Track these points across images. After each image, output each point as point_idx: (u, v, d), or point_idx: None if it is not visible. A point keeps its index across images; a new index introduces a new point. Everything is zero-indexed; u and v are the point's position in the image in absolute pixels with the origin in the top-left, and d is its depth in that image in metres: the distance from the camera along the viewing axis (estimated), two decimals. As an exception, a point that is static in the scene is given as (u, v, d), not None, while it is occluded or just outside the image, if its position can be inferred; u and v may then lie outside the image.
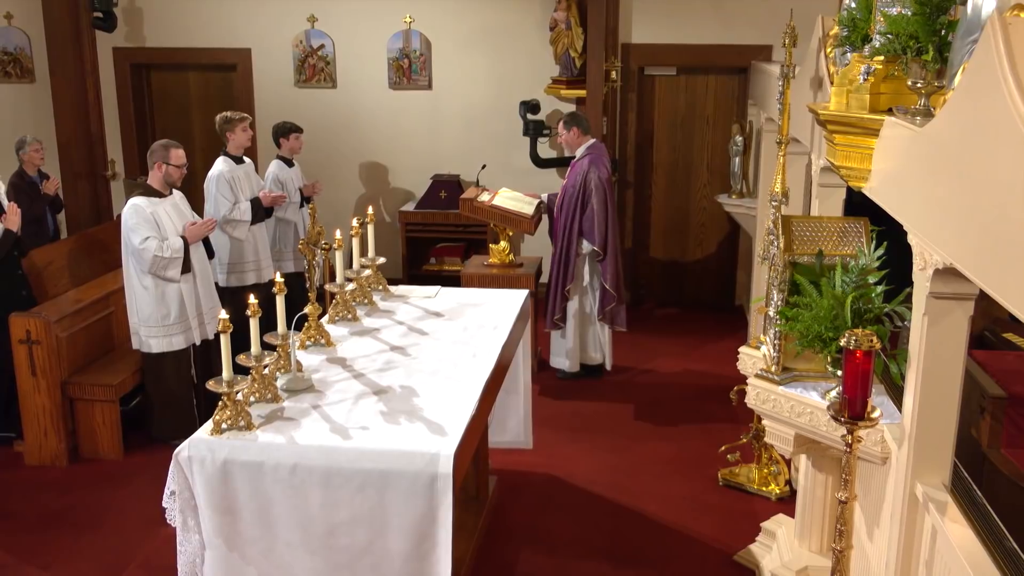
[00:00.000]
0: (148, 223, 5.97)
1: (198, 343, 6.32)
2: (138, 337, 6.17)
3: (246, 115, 7.31)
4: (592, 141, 7.38)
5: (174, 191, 6.27)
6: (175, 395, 6.30)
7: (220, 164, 7.13)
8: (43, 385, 6.02)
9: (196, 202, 6.87)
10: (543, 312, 7.53)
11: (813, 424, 3.93)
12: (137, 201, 6.05)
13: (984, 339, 4.55)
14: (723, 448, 6.02)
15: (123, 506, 5.65)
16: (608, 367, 7.59)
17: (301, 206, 7.76)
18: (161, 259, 5.95)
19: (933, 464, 3.28)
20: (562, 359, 7.54)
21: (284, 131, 7.79)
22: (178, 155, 6.16)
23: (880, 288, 3.80)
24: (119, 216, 8.86)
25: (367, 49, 9.30)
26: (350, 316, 4.99)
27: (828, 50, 4.50)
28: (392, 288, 5.55)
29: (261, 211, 7.20)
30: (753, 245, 8.33)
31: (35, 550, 5.20)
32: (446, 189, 9.07)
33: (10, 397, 6.24)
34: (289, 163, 7.79)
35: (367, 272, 5.31)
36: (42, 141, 7.85)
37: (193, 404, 6.40)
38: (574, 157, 7.38)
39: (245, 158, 7.32)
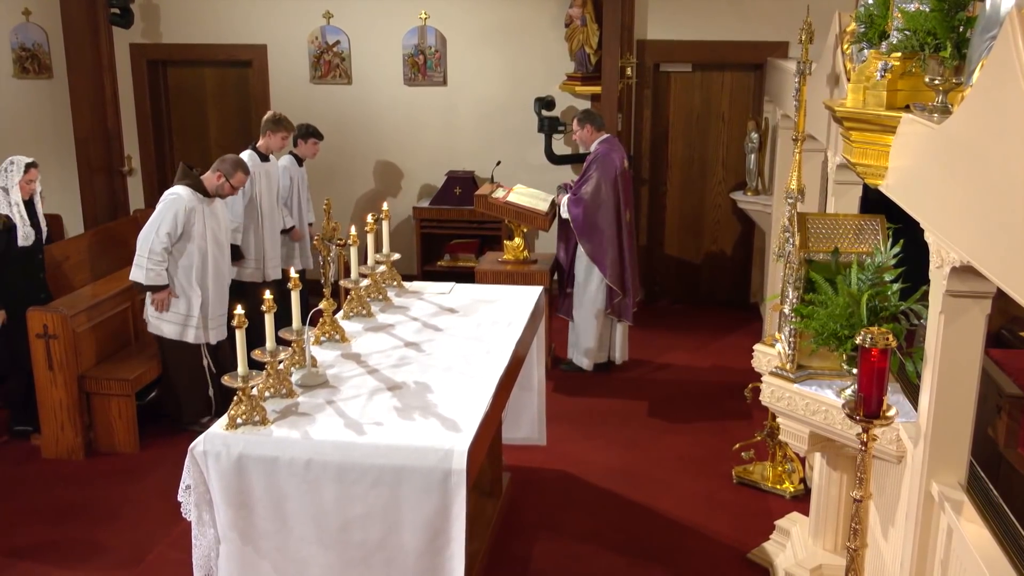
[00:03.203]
0: (175, 219, 6.07)
1: (204, 343, 6.37)
2: (151, 321, 6.27)
3: (293, 126, 7.34)
4: (605, 136, 7.39)
5: (217, 200, 6.39)
6: (195, 379, 6.38)
7: (245, 157, 7.12)
8: (60, 379, 6.06)
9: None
10: (556, 308, 7.54)
11: (828, 422, 3.91)
12: (179, 191, 6.15)
13: (1001, 338, 4.52)
14: (737, 446, 6.00)
15: (138, 500, 5.68)
16: (618, 361, 7.60)
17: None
18: (156, 263, 6.07)
19: (949, 463, 3.27)
20: (579, 356, 7.54)
21: (306, 134, 7.80)
22: (240, 179, 6.35)
23: (896, 286, 3.79)
24: (136, 211, 8.94)
25: (382, 45, 9.31)
26: (364, 312, 5.00)
27: (845, 46, 4.48)
28: (406, 284, 5.56)
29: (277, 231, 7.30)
30: (768, 242, 8.30)
31: (52, 543, 5.23)
32: (461, 185, 9.07)
33: (28, 391, 6.30)
34: (300, 162, 7.81)
35: (381, 268, 5.32)
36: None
37: (209, 393, 6.44)
38: (588, 153, 7.40)
39: (270, 156, 7.35)
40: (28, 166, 6.21)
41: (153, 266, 6.08)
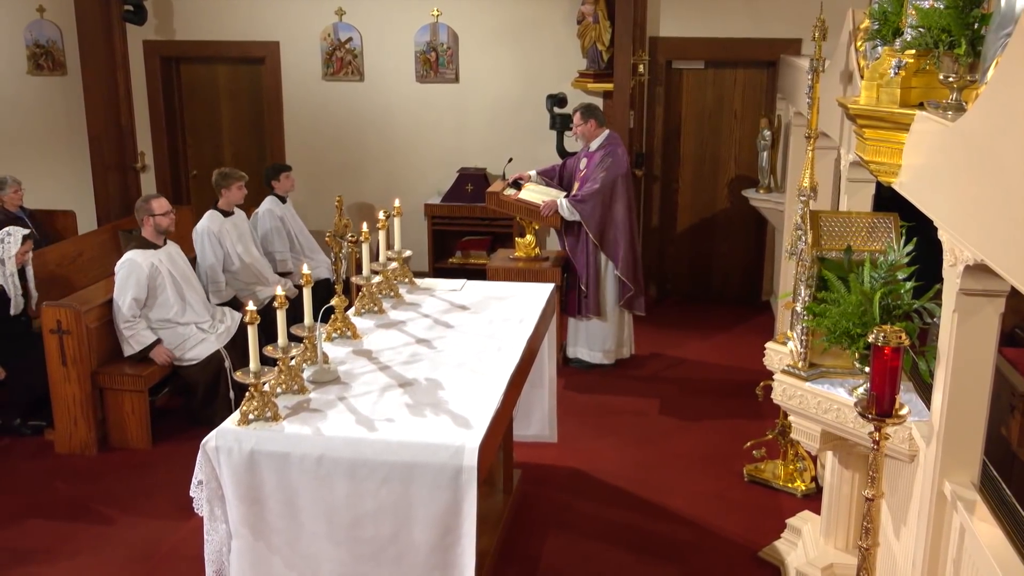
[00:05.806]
0: (139, 284, 6.17)
1: (217, 348, 6.45)
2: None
3: (242, 174, 7.27)
4: (608, 132, 7.39)
5: (168, 242, 6.46)
6: (218, 380, 6.43)
7: (207, 219, 7.09)
8: (73, 375, 6.09)
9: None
10: (576, 310, 7.53)
11: (840, 421, 3.90)
12: (133, 256, 6.25)
13: (1015, 336, 4.51)
14: (749, 444, 5.99)
15: (151, 495, 5.71)
16: (627, 354, 7.64)
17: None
18: (128, 328, 6.18)
19: (962, 462, 3.25)
20: (595, 352, 7.54)
21: (276, 171, 7.89)
22: (160, 204, 6.38)
23: (909, 284, 3.77)
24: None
25: (394, 42, 9.32)
26: (376, 309, 5.01)
27: (858, 44, 4.46)
28: (418, 281, 5.56)
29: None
30: (780, 240, 8.28)
31: (64, 538, 5.26)
32: (472, 182, 9.07)
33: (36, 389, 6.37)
34: (283, 200, 7.84)
35: (393, 265, 5.32)
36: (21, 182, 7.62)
37: (230, 396, 6.47)
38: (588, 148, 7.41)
39: (237, 209, 7.31)
40: (25, 238, 6.36)
41: (132, 332, 6.20)
